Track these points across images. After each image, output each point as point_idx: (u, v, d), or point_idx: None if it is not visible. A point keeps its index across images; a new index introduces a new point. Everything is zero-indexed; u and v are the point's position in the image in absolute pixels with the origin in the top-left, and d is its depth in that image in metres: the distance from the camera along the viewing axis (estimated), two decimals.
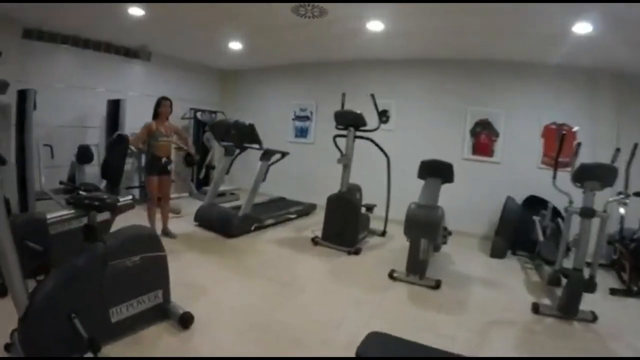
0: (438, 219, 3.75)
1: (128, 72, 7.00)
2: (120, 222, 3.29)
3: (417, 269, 3.79)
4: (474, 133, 5.98)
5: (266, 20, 4.87)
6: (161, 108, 4.65)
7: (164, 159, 4.66)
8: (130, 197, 4.27)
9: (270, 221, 5.68)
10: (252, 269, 3.97)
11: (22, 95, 5.17)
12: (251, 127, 5.17)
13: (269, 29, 5.27)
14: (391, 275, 3.88)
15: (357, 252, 4.61)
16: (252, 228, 5.29)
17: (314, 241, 4.93)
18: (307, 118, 7.60)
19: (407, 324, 2.97)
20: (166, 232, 4.90)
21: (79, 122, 6.29)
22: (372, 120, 4.88)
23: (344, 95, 5.11)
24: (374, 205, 5.54)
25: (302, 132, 7.68)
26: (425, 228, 3.72)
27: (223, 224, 5.13)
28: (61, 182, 4.30)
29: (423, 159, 4.29)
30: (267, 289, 3.48)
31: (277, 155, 5.67)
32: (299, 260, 4.37)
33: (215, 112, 8.08)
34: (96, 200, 2.65)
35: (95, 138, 6.35)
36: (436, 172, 4.15)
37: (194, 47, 6.82)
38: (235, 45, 6.42)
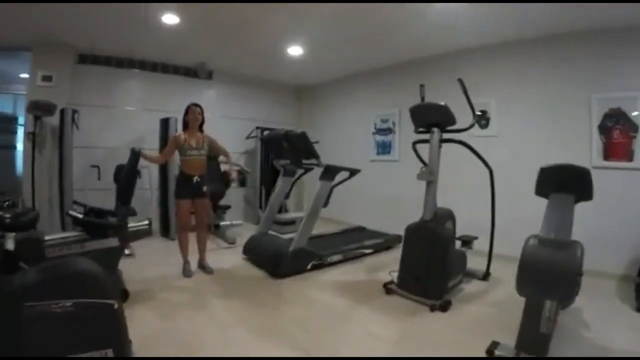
0: (576, 265, 2.25)
1: (189, 92, 6.57)
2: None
3: (534, 345, 2.29)
4: (604, 129, 4.22)
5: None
6: (189, 115, 3.94)
7: (195, 178, 3.90)
8: (146, 222, 3.61)
9: (335, 258, 4.53)
10: (282, 328, 2.83)
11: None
12: (303, 137, 4.18)
13: (321, 19, 4.48)
14: (491, 353, 2.42)
15: (444, 307, 3.21)
16: (309, 266, 4.20)
17: (387, 288, 3.64)
18: (389, 130, 6.41)
19: None
20: (202, 266, 4.18)
21: (136, 143, 5.90)
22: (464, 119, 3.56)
23: (422, 86, 3.86)
24: (474, 238, 4.15)
25: (384, 148, 6.50)
26: (554, 281, 2.22)
27: (270, 259, 4.14)
28: (75, 202, 3.82)
29: (542, 166, 2.85)
30: None
31: (344, 174, 4.60)
32: (356, 317, 3.11)
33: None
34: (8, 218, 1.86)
35: None
36: (566, 183, 2.67)
37: (251, 58, 6.23)
38: (295, 50, 5.68)
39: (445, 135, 3.54)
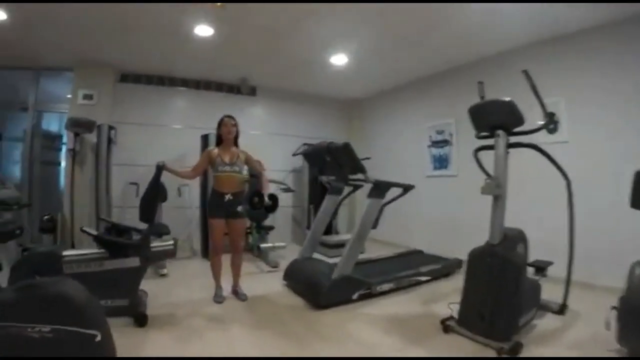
0: None
1: (232, 109, 6.25)
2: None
3: None
4: None
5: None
6: (222, 128, 3.64)
7: (227, 196, 3.57)
8: (171, 242, 3.32)
9: (386, 286, 3.98)
10: None
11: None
12: (346, 149, 3.74)
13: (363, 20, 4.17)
14: None
15: (514, 350, 2.57)
16: (354, 296, 3.70)
17: (445, 325, 3.06)
18: (445, 142, 5.84)
19: None
20: (235, 292, 3.83)
21: (178, 161, 5.80)
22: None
23: (481, 84, 3.31)
24: (549, 264, 3.48)
25: (441, 162, 5.93)
26: None
27: (310, 287, 3.70)
28: (100, 218, 3.64)
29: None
30: None
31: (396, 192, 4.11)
32: None
33: None
34: None
35: None
36: None
37: (293, 71, 6.04)
38: (340, 59, 5.38)
39: (513, 139, 2.97)
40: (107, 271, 2.90)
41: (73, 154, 4.95)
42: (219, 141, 3.71)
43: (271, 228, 5.71)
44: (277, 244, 5.37)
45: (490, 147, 3.03)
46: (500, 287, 2.79)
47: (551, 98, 4.18)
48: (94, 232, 2.93)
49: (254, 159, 3.83)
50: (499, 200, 2.90)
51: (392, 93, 7.01)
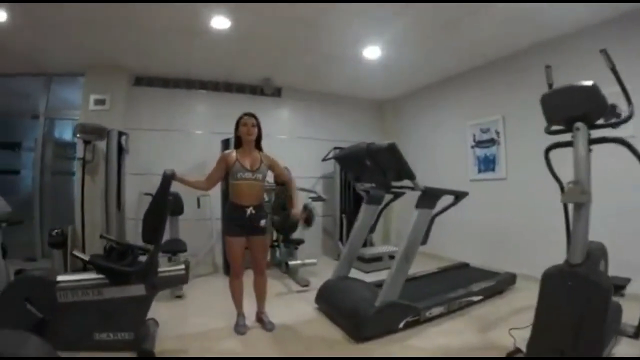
0: None
1: (256, 111, 6.07)
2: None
3: None
4: None
5: None
6: (241, 129, 3.19)
7: (249, 210, 3.10)
8: (182, 266, 2.89)
9: (436, 310, 3.46)
10: None
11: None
12: (392, 150, 3.18)
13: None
14: None
15: None
16: (401, 325, 3.18)
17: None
18: (491, 142, 5.30)
19: None
20: (260, 320, 3.35)
21: (199, 169, 5.43)
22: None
23: (548, 68, 2.81)
24: (627, 280, 2.99)
25: (487, 164, 5.38)
26: None
27: (348, 315, 3.21)
28: (102, 236, 3.26)
29: None
30: None
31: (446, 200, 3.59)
32: None
33: None
34: None
35: None
36: None
37: (321, 68, 5.63)
38: (373, 52, 4.93)
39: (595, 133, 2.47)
40: (107, 300, 2.52)
41: (83, 163, 4.66)
42: (238, 144, 3.26)
43: (301, 242, 5.21)
44: (307, 261, 4.86)
45: (568, 144, 2.50)
46: (584, 316, 2.25)
47: (610, 88, 3.61)
48: (86, 258, 2.53)
49: (281, 170, 3.37)
50: (582, 209, 2.36)
51: (430, 90, 6.53)
